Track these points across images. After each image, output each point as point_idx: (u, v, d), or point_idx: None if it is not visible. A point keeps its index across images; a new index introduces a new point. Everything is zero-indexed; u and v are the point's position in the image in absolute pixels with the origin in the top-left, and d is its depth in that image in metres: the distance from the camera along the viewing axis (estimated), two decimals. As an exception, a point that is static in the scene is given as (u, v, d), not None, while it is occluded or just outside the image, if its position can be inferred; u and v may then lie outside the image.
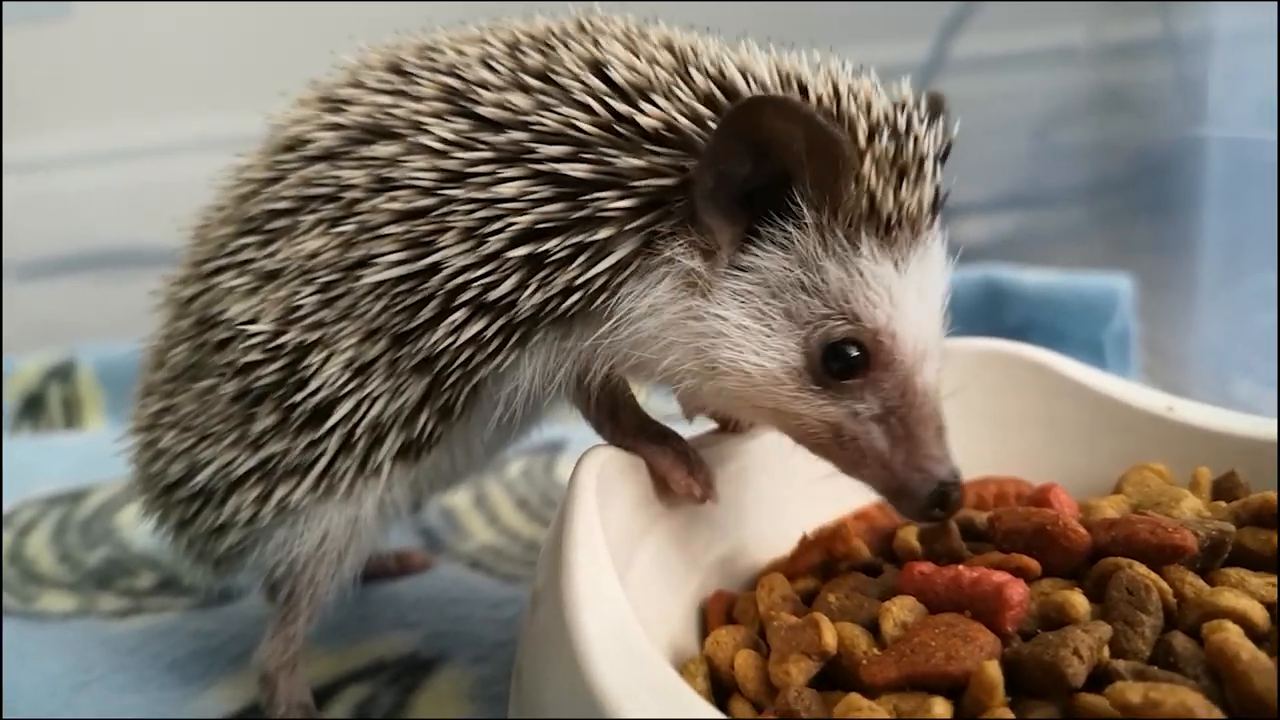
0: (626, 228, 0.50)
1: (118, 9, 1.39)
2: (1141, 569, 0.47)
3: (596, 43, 0.53)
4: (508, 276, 0.51)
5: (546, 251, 0.50)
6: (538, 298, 0.50)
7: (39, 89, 1.41)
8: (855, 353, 0.49)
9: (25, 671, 0.69)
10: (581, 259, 0.50)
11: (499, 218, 0.50)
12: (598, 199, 0.49)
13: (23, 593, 0.80)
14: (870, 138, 0.49)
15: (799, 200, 0.49)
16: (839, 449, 0.51)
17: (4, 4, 1.34)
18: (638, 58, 0.52)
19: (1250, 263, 1.10)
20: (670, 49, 0.53)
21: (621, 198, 0.49)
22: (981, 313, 1.14)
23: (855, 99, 0.50)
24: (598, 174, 0.49)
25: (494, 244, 0.50)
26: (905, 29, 1.41)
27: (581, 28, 0.55)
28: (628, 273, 0.51)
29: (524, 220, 0.50)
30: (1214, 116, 1.19)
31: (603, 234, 0.49)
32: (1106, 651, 0.44)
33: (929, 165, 0.51)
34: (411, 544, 0.84)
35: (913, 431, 0.49)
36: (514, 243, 0.50)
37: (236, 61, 1.33)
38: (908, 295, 0.50)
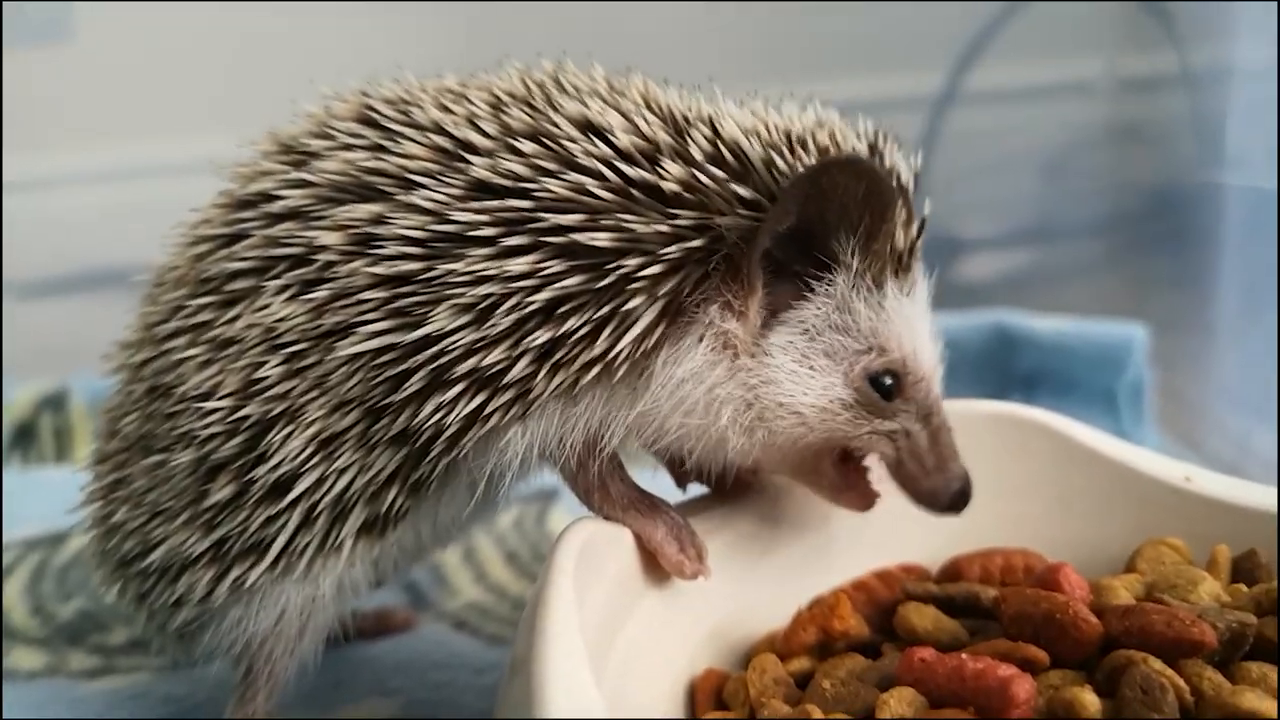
0: (656, 293, 0.48)
1: (120, 30, 1.38)
2: (1156, 664, 0.45)
3: (583, 103, 0.52)
4: (518, 359, 0.49)
5: (565, 332, 0.48)
6: (557, 379, 0.49)
7: (40, 109, 1.39)
8: (889, 381, 0.53)
9: (-12, 735, 0.66)
10: (607, 332, 0.48)
11: (508, 295, 0.48)
12: (622, 267, 0.48)
13: (-8, 647, 0.78)
14: None
15: (844, 249, 0.50)
16: (894, 453, 0.54)
17: (4, 26, 1.33)
18: (629, 119, 0.51)
19: (1268, 305, 1.08)
20: (653, 107, 0.52)
21: (648, 264, 0.48)
22: (992, 360, 1.12)
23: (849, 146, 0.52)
24: (619, 241, 0.48)
25: (502, 323, 0.48)
26: (918, 61, 1.39)
27: (560, 85, 0.54)
28: (654, 340, 0.49)
29: (540, 299, 0.48)
30: (1231, 152, 1.17)
31: (630, 304, 0.48)
32: (1119, 756, 0.42)
33: (912, 198, 0.53)
34: (395, 600, 0.81)
35: (937, 435, 0.54)
36: (527, 322, 0.48)
37: (238, 83, 1.32)
38: (918, 321, 0.54)
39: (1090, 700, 0.44)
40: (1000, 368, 1.11)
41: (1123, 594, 0.52)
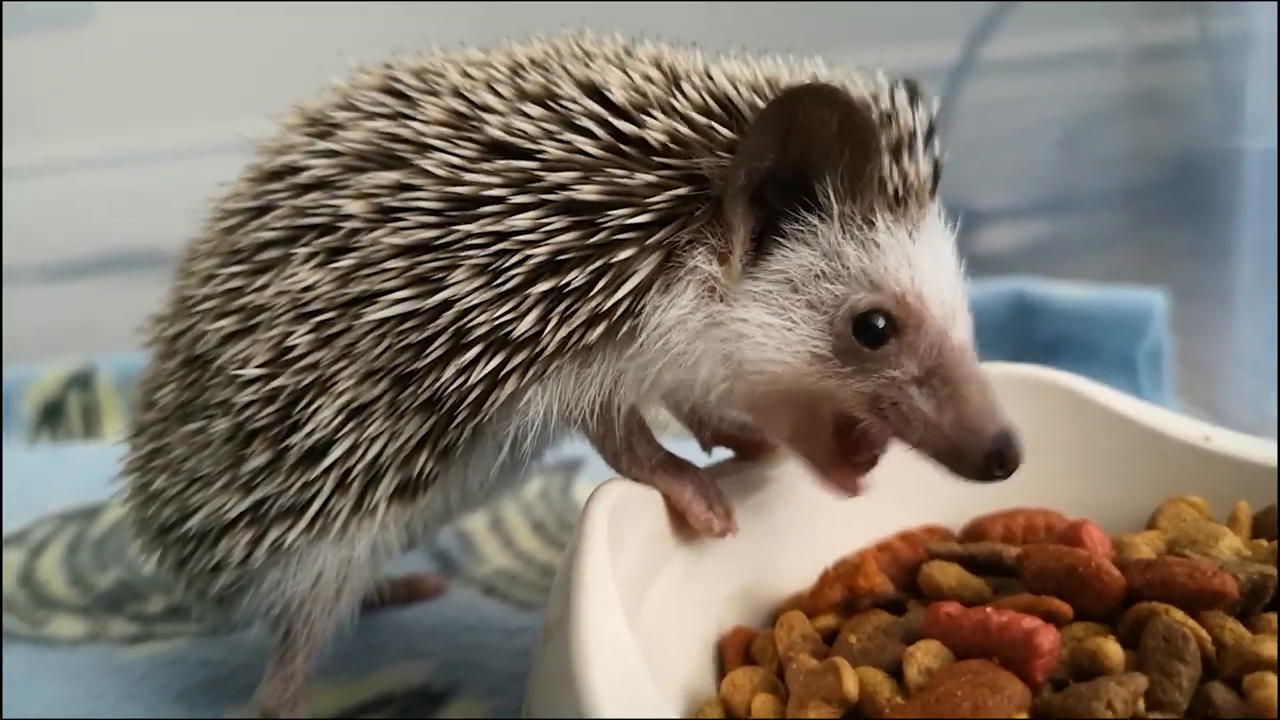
0: (647, 244, 0.48)
1: (138, 13, 1.39)
2: (1179, 615, 0.46)
3: (589, 65, 0.52)
4: (527, 313, 0.49)
5: (567, 284, 0.48)
6: (562, 332, 0.49)
7: (60, 92, 1.40)
8: (881, 323, 0.49)
9: (33, 700, 0.68)
10: (602, 285, 0.48)
11: (515, 251, 0.49)
12: (613, 219, 0.48)
13: (33, 617, 0.79)
14: None
15: (826, 190, 0.48)
16: (882, 420, 0.50)
17: (26, 7, 1.34)
18: (629, 77, 0.51)
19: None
20: (659, 67, 0.52)
21: (637, 214, 0.48)
22: (1012, 327, 1.12)
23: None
24: (609, 195, 0.48)
25: (511, 280, 0.49)
26: (935, 31, 1.39)
27: (574, 52, 0.54)
28: (652, 291, 0.49)
29: (540, 252, 0.48)
30: (1251, 120, 1.16)
31: (622, 255, 0.48)
32: (1142, 704, 0.42)
33: (920, 139, 0.50)
34: (425, 568, 0.83)
35: (957, 390, 0.48)
36: (532, 277, 0.49)
37: (258, 65, 1.32)
38: (925, 258, 0.50)
39: (1114, 650, 0.44)
40: (1020, 335, 1.11)
41: (1144, 550, 0.52)
